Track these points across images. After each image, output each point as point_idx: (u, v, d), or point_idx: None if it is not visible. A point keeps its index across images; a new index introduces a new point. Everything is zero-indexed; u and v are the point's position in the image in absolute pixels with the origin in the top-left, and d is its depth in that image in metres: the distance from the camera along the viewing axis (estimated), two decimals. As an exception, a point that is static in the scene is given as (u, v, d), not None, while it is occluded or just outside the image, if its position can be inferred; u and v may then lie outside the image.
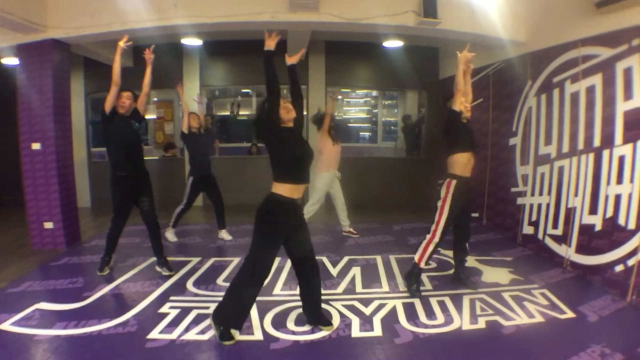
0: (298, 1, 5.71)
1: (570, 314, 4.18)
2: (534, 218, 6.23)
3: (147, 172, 5.34)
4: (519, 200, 6.62)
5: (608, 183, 4.84)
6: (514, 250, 6.30)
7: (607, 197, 4.86)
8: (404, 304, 4.43)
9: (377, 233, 7.37)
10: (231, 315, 3.67)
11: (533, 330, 3.90)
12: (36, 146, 6.25)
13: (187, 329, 3.87)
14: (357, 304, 4.45)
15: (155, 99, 10.54)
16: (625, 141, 4.62)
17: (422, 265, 4.67)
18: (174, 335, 3.77)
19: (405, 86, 10.62)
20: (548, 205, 5.90)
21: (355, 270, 5.47)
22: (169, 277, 5.21)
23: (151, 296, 4.65)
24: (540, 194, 6.07)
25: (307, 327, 3.91)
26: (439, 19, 6.03)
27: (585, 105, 5.23)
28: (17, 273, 5.37)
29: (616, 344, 3.57)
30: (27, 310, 4.22)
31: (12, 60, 7.38)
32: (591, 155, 5.11)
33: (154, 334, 3.79)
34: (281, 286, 4.90)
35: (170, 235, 6.76)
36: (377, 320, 4.08)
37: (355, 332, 3.87)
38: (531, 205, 6.29)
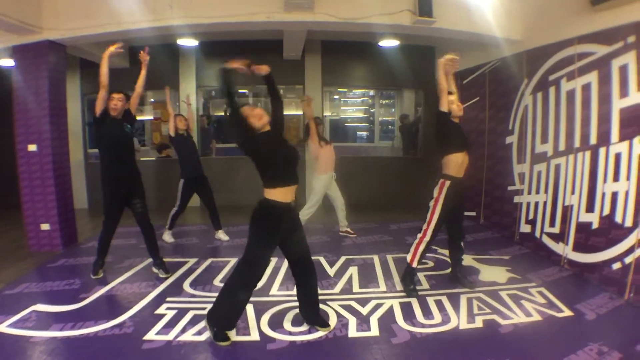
0: (293, 1, 5.70)
1: (567, 312, 4.18)
2: (531, 216, 6.23)
3: (139, 173, 5.30)
4: (516, 199, 6.62)
5: (605, 181, 4.84)
6: (511, 248, 6.29)
7: (603, 195, 4.86)
8: (401, 304, 4.43)
9: (375, 232, 7.37)
10: (224, 316, 3.67)
11: (531, 328, 3.90)
12: (32, 148, 6.23)
13: (183, 330, 3.87)
14: (354, 303, 4.45)
15: (152, 100, 10.55)
16: (622, 138, 4.62)
17: (415, 264, 4.67)
18: (170, 336, 3.77)
19: (401, 85, 10.63)
20: (545, 203, 5.90)
21: (353, 270, 5.46)
22: (166, 278, 5.20)
23: (148, 297, 4.63)
24: (537, 192, 6.07)
25: (303, 328, 3.90)
26: (435, 18, 6.03)
27: (581, 103, 5.23)
28: (14, 275, 5.35)
29: (614, 342, 3.57)
30: (24, 312, 4.21)
31: (7, 62, 7.36)
32: (587, 153, 5.11)
33: (151, 335, 3.78)
34: (278, 286, 4.89)
35: (167, 236, 6.76)
36: (374, 320, 4.07)
37: (352, 332, 3.87)
38: (528, 204, 6.30)
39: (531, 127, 6.25)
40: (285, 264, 4.23)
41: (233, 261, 5.73)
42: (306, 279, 3.86)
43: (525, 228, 6.37)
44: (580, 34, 5.21)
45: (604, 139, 4.86)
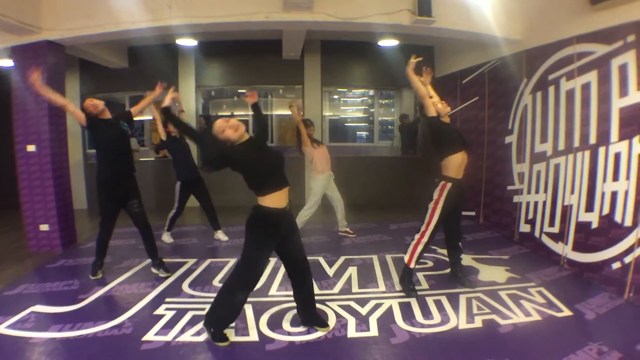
0: (292, 1, 5.69)
1: (567, 312, 4.18)
2: (530, 216, 6.23)
3: (134, 173, 5.30)
4: (516, 199, 6.61)
5: (604, 180, 4.84)
6: (510, 248, 6.29)
7: (603, 194, 4.86)
8: (400, 304, 4.42)
9: (374, 232, 7.37)
10: (221, 317, 3.67)
11: (530, 328, 3.90)
12: (31, 148, 6.23)
13: (182, 331, 3.87)
14: (353, 304, 4.44)
15: (152, 100, 10.53)
16: (621, 138, 4.61)
17: (412, 265, 4.67)
18: (169, 337, 3.76)
19: (401, 85, 10.61)
20: (544, 203, 5.90)
21: (352, 270, 5.45)
22: (165, 278, 5.20)
23: (147, 298, 4.63)
24: (537, 191, 6.06)
25: (302, 328, 3.90)
26: (434, 18, 6.02)
27: (580, 103, 5.23)
28: (13, 275, 5.35)
29: (614, 342, 3.57)
30: (23, 313, 4.21)
31: (6, 62, 7.35)
32: (587, 153, 5.10)
33: (150, 336, 3.78)
34: (277, 287, 4.89)
35: (166, 237, 6.75)
36: (373, 320, 4.07)
37: (352, 332, 3.86)
38: (527, 203, 6.29)
39: (531, 127, 6.24)
40: (284, 264, 4.23)
41: (232, 261, 5.73)
42: (302, 281, 3.86)
43: (524, 228, 6.37)
44: (580, 34, 5.21)
45: (604, 138, 4.85)
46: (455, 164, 4.58)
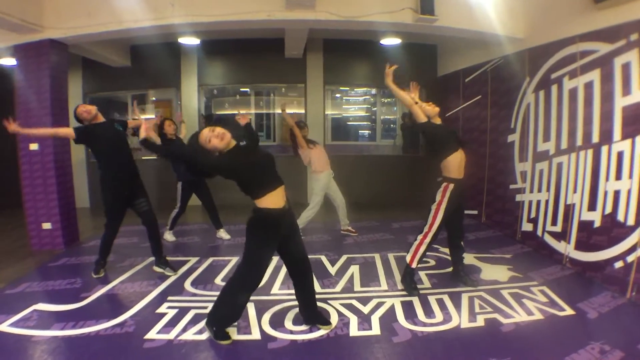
0: (295, -1, 5.71)
1: (569, 311, 4.17)
2: (532, 215, 6.22)
3: (137, 172, 5.31)
4: (518, 197, 6.60)
5: (607, 179, 4.82)
6: (513, 247, 6.28)
7: (606, 193, 4.84)
8: (402, 303, 4.42)
9: (376, 231, 7.36)
10: (224, 317, 3.68)
11: (532, 327, 3.89)
12: (34, 147, 6.24)
13: (184, 329, 3.87)
14: (355, 302, 4.44)
15: (154, 99, 10.54)
16: (624, 137, 4.60)
17: (414, 265, 4.66)
18: (171, 335, 3.77)
19: (403, 84, 10.59)
20: (547, 202, 5.89)
21: (354, 269, 5.45)
22: (167, 277, 5.20)
23: (149, 296, 4.64)
24: (539, 190, 6.05)
25: (304, 327, 3.90)
26: (436, 16, 6.02)
27: (583, 101, 5.21)
28: (15, 274, 5.36)
29: (616, 341, 3.56)
30: (25, 311, 4.22)
31: (9, 61, 7.37)
32: (590, 152, 5.09)
33: (152, 334, 3.79)
34: (279, 285, 4.90)
35: (168, 235, 6.76)
36: (375, 319, 4.07)
37: (354, 331, 3.86)
38: (530, 202, 6.28)
39: (533, 126, 6.23)
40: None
41: (234, 260, 5.73)
42: (304, 280, 3.86)
43: (527, 226, 6.36)
44: (583, 32, 5.19)
45: (607, 137, 4.84)
46: (455, 164, 4.57)
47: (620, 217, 4.61)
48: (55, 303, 4.44)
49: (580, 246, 5.24)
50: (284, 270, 5.15)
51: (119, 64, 9.27)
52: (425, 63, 9.91)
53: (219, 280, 5.08)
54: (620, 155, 4.64)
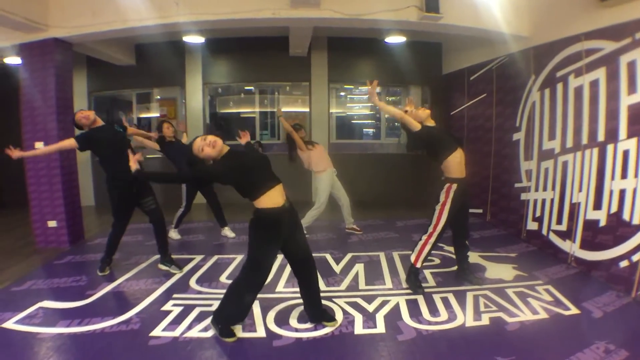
0: (299, -3, 5.71)
1: (574, 310, 4.16)
2: (538, 214, 6.20)
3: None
4: (523, 196, 6.59)
5: (612, 178, 4.81)
6: (517, 246, 6.27)
7: (611, 192, 4.83)
8: (407, 301, 4.42)
9: (381, 229, 7.36)
10: (229, 316, 3.70)
11: (537, 326, 3.88)
12: (39, 145, 6.25)
13: (190, 327, 3.88)
14: (360, 300, 4.44)
15: (158, 97, 10.55)
16: (630, 135, 4.59)
17: (419, 265, 4.65)
18: (177, 332, 3.79)
19: (408, 82, 10.57)
20: (552, 200, 5.87)
21: (359, 267, 5.45)
22: (172, 274, 5.22)
23: (154, 294, 4.65)
24: (544, 189, 6.04)
25: (309, 324, 3.90)
26: (441, 14, 6.00)
27: (589, 100, 5.19)
28: (21, 271, 5.39)
29: (621, 340, 3.55)
30: (31, 309, 4.25)
31: (14, 60, 7.39)
32: (595, 150, 5.07)
33: (157, 332, 3.80)
34: (284, 283, 4.91)
35: (173, 234, 6.77)
36: (380, 317, 4.07)
37: (358, 329, 3.87)
38: (535, 201, 6.27)
39: (538, 124, 6.21)
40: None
41: (239, 258, 5.74)
42: (308, 278, 3.87)
43: (532, 225, 6.34)
44: (588, 30, 5.17)
45: (612, 135, 4.82)
46: (455, 163, 4.56)
47: (626, 216, 4.59)
48: (61, 300, 4.46)
49: (586, 245, 5.22)
50: (288, 268, 5.14)
51: (124, 63, 9.28)
52: (429, 61, 9.89)
53: (224, 278, 5.10)
54: (625, 153, 4.63)
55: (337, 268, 5.44)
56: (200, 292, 4.71)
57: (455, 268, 5.14)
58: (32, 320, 4.01)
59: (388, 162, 10.38)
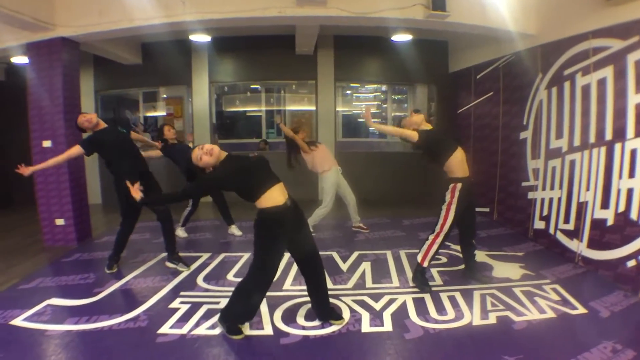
0: (305, -5, 5.71)
1: (581, 310, 4.15)
2: (545, 213, 6.18)
3: (148, 170, 5.37)
4: (530, 195, 6.57)
5: (620, 177, 4.79)
6: (525, 245, 6.25)
7: (619, 191, 4.81)
8: (414, 299, 4.42)
9: (387, 228, 7.36)
10: (237, 315, 3.71)
11: (544, 325, 3.88)
12: (47, 144, 6.30)
13: (197, 324, 3.90)
14: (367, 299, 4.45)
15: (165, 96, 10.59)
16: (637, 134, 4.56)
17: (425, 264, 4.66)
18: (184, 330, 3.80)
19: (414, 80, 10.56)
20: (559, 199, 5.85)
21: (365, 266, 5.46)
22: (180, 272, 5.24)
23: (162, 291, 4.68)
24: (552, 188, 6.02)
25: (317, 322, 3.91)
26: (448, 12, 5.98)
27: (596, 98, 5.17)
28: (29, 269, 5.42)
29: (628, 340, 3.54)
30: (39, 306, 4.27)
31: (21, 59, 7.42)
32: (603, 149, 5.05)
33: (165, 329, 3.82)
34: (291, 281, 4.92)
35: (180, 232, 6.78)
36: (387, 316, 4.07)
37: (365, 327, 3.87)
38: (542, 200, 6.25)
39: (546, 123, 6.19)
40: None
41: (246, 256, 5.76)
42: (315, 276, 3.88)
43: (539, 224, 6.33)
44: (596, 28, 5.14)
45: (620, 134, 4.80)
46: (457, 163, 4.57)
47: (634, 215, 4.57)
48: (69, 298, 4.49)
49: (593, 244, 5.20)
50: (295, 266, 5.16)
51: (130, 62, 9.31)
52: (436, 59, 9.87)
53: (230, 276, 5.11)
54: (633, 152, 4.61)
55: (344, 266, 5.45)
56: (207, 290, 4.73)
57: (462, 267, 5.14)
58: (40, 318, 4.03)
59: (394, 160, 10.37)
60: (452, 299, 4.42)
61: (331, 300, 4.07)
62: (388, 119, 11.20)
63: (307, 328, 3.84)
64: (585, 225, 5.32)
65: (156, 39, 8.93)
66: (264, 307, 4.13)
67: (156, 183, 5.36)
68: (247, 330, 3.76)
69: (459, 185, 4.54)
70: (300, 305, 4.27)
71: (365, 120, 4.67)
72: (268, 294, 3.72)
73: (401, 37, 8.85)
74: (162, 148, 6.46)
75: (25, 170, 4.73)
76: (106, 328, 3.85)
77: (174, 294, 4.62)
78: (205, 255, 5.88)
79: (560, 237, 5.80)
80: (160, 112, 10.63)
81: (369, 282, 4.94)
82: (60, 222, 6.45)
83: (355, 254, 5.89)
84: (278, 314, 4.10)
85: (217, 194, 6.78)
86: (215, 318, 3.88)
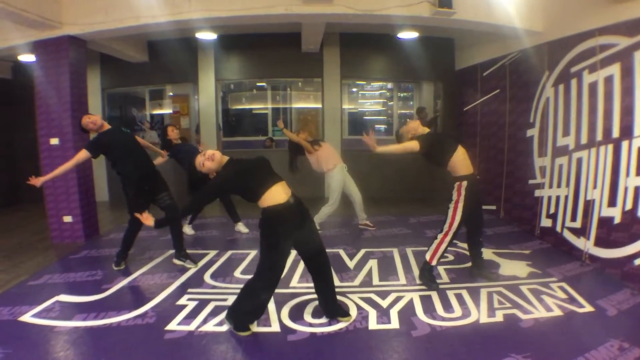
0: (311, -7, 5.71)
1: (588, 308, 4.13)
2: (552, 210, 6.17)
3: (154, 168, 5.42)
4: (537, 193, 6.55)
5: (627, 175, 4.77)
6: (531, 243, 6.24)
7: (626, 189, 4.79)
8: (421, 297, 4.42)
9: (394, 225, 7.36)
10: (245, 313, 3.71)
11: (551, 323, 3.87)
12: (54, 141, 6.33)
13: (205, 321, 3.92)
14: (374, 296, 4.45)
15: (171, 94, 10.61)
16: (645, 132, 4.55)
17: (434, 263, 4.66)
18: (192, 326, 3.82)
19: (420, 78, 10.55)
20: (566, 197, 5.83)
21: (372, 263, 5.46)
22: (187, 269, 5.27)
23: (169, 288, 4.70)
24: (559, 186, 6.00)
25: (324, 319, 3.92)
26: (454, 9, 5.98)
27: (603, 96, 5.15)
28: (37, 266, 5.47)
29: (635, 338, 3.53)
30: (48, 303, 4.30)
31: (28, 57, 7.46)
32: (610, 147, 5.03)
33: (172, 326, 3.84)
34: (298, 278, 4.93)
35: (187, 229, 6.81)
36: (394, 313, 4.07)
37: (372, 324, 3.87)
38: (549, 198, 6.23)
39: (552, 120, 6.17)
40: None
41: (253, 253, 5.77)
42: (322, 274, 3.88)
43: (546, 222, 6.31)
44: (602, 25, 5.12)
45: (627, 132, 4.78)
46: (459, 161, 4.57)
47: (641, 213, 4.56)
48: (77, 294, 4.52)
49: (600, 242, 5.18)
50: (302, 263, 5.17)
51: (137, 60, 9.33)
52: (442, 57, 9.84)
53: (238, 273, 5.13)
54: (641, 150, 4.59)
55: (351, 264, 5.46)
56: (214, 287, 4.75)
57: (469, 264, 5.13)
58: (48, 314, 4.06)
59: (400, 158, 10.28)
60: (459, 297, 4.41)
61: (338, 297, 4.08)
62: (394, 117, 11.17)
63: (315, 325, 3.84)
64: (592, 223, 5.31)
65: (162, 37, 8.96)
66: (271, 305, 4.13)
67: (163, 182, 5.38)
68: (255, 327, 3.77)
69: (465, 183, 4.54)
70: (307, 302, 4.28)
71: (369, 147, 4.66)
72: (275, 291, 3.73)
73: (407, 35, 8.84)
74: (167, 147, 6.51)
75: (37, 182, 4.81)
76: (114, 324, 3.87)
77: (182, 290, 4.64)
78: (213, 253, 5.90)
79: (567, 235, 5.79)
80: (167, 110, 10.66)
81: (375, 280, 4.94)
82: (68, 219, 6.49)
83: (362, 252, 5.90)
84: (285, 311, 4.11)
85: None
86: (223, 315, 3.89)
